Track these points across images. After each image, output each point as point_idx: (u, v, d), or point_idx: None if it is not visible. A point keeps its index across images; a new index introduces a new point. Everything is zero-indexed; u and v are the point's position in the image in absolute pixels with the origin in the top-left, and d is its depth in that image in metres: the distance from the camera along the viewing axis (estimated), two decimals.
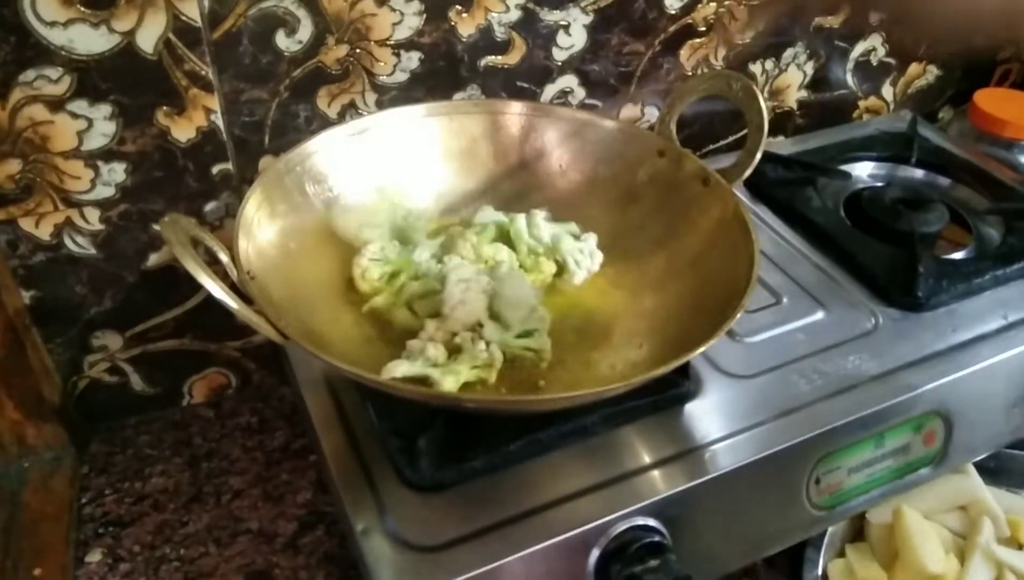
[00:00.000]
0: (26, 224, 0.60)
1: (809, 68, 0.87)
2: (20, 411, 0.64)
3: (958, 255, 0.72)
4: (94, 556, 0.62)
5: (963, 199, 0.79)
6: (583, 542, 0.49)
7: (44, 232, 0.60)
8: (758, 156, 0.59)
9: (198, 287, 0.45)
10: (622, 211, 0.63)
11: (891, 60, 0.92)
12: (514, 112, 0.65)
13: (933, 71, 0.95)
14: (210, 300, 0.46)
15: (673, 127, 0.63)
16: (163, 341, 0.69)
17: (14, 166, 0.57)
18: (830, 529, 0.62)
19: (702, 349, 0.46)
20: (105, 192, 0.60)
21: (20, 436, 0.66)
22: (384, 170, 0.63)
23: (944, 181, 0.81)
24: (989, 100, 0.87)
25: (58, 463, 0.67)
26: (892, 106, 0.96)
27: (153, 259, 0.65)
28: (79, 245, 0.62)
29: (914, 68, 0.94)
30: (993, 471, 0.69)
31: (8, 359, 0.62)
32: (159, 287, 0.66)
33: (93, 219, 0.61)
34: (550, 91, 0.75)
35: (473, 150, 0.65)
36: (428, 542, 0.47)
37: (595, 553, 0.49)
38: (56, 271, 0.62)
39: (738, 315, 0.48)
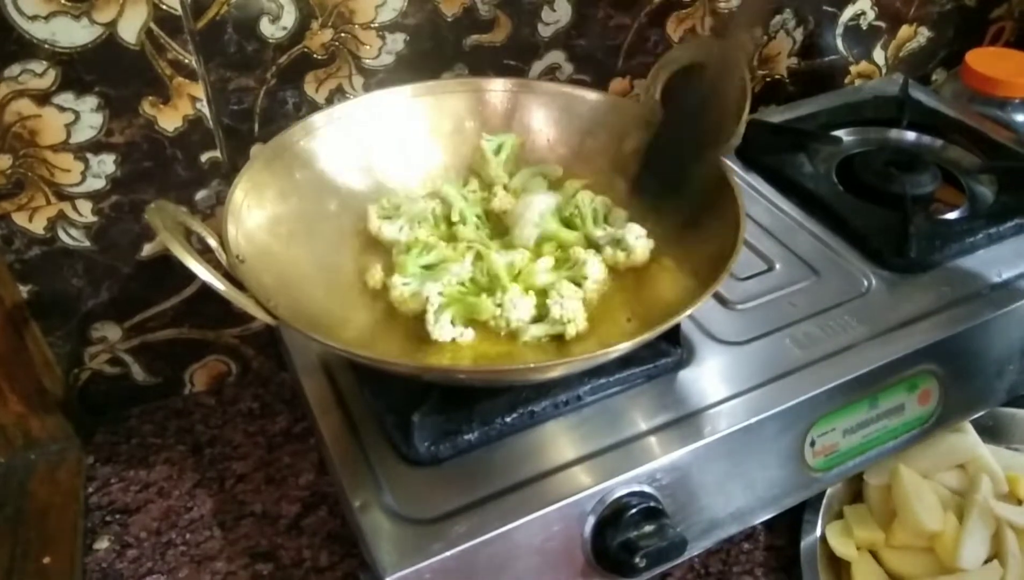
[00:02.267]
0: (19, 218, 0.60)
1: (798, 35, 0.87)
2: (24, 404, 0.65)
3: (951, 215, 0.72)
4: (102, 543, 0.63)
5: (956, 159, 0.78)
6: (579, 510, 0.49)
7: (38, 226, 0.61)
8: (743, 122, 0.59)
9: (193, 276, 0.45)
10: (610, 182, 0.63)
11: (881, 23, 0.91)
12: (499, 89, 0.65)
13: (924, 32, 0.95)
14: (206, 289, 0.46)
15: (658, 96, 0.63)
16: (162, 330, 0.70)
17: (4, 161, 0.58)
18: (828, 491, 0.62)
19: (689, 311, 0.47)
20: (96, 184, 0.61)
21: (25, 429, 0.66)
22: (372, 152, 0.63)
23: (936, 142, 0.80)
24: (981, 60, 0.86)
25: (64, 454, 0.68)
26: (884, 70, 0.96)
27: (147, 249, 0.65)
28: (73, 238, 0.62)
29: (905, 30, 0.93)
30: (992, 430, 0.69)
31: (9, 353, 0.63)
32: (155, 277, 0.67)
33: (86, 211, 0.62)
34: (538, 67, 0.75)
35: (460, 128, 0.65)
36: (426, 515, 0.48)
37: (591, 520, 0.50)
38: (52, 264, 0.63)
39: (724, 277, 0.48)
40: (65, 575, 0.60)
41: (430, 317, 0.53)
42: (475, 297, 0.55)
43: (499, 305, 0.54)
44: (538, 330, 0.54)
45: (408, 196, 0.62)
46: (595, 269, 0.56)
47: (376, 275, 0.58)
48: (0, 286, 0.61)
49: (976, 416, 0.66)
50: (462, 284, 0.55)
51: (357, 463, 0.52)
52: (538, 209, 0.60)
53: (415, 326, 0.54)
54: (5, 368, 0.63)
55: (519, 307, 0.54)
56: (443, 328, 0.53)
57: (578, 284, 0.56)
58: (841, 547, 0.61)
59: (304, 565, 0.62)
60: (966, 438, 0.66)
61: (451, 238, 0.60)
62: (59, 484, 0.66)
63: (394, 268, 0.57)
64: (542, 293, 0.55)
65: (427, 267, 0.57)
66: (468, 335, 0.54)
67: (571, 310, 0.53)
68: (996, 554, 0.60)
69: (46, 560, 0.61)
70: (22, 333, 0.64)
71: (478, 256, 0.57)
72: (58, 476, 0.67)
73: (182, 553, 0.62)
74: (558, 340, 0.54)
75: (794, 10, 0.84)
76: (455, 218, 0.61)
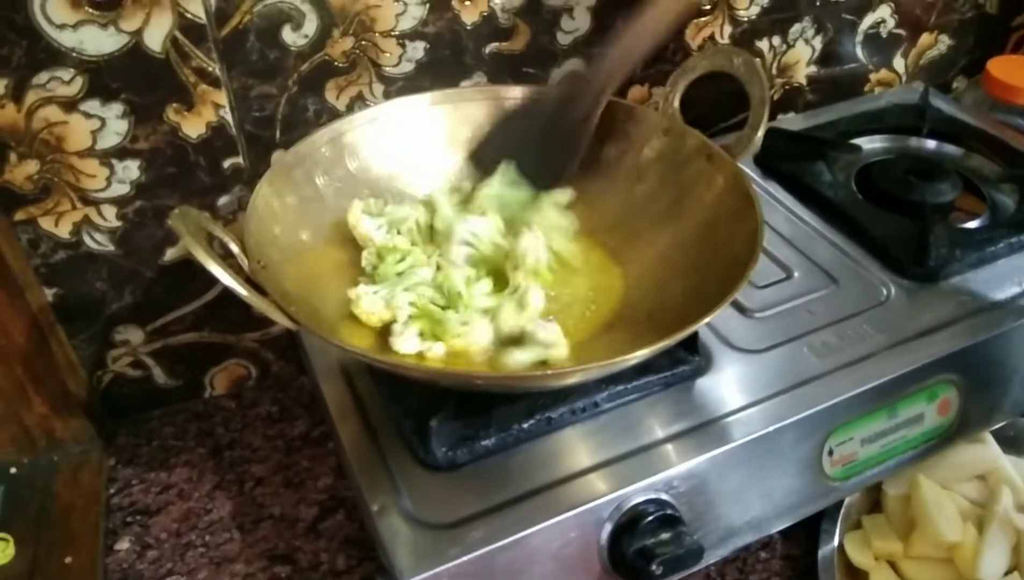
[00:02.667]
0: (46, 223, 0.61)
1: (817, 43, 0.86)
2: (48, 406, 0.66)
3: (972, 224, 0.71)
4: (123, 544, 0.64)
5: (976, 168, 0.78)
6: (595, 516, 0.49)
7: (63, 230, 0.62)
8: (762, 130, 0.59)
9: (215, 280, 0.46)
10: (628, 190, 0.63)
11: (901, 31, 0.91)
12: (518, 97, 0.66)
13: (945, 40, 0.94)
14: (227, 293, 0.47)
15: (676, 105, 0.64)
16: (183, 334, 0.71)
17: (32, 167, 0.59)
18: (846, 501, 0.62)
19: (707, 319, 0.47)
20: (120, 189, 0.62)
21: (49, 430, 0.67)
22: (392, 159, 0.64)
23: (957, 151, 0.80)
24: (1003, 68, 0.86)
25: (86, 456, 0.69)
26: (904, 78, 0.95)
27: (170, 254, 0.66)
28: (98, 242, 0.63)
29: (925, 38, 0.93)
30: (1013, 441, 0.68)
31: (34, 356, 0.64)
32: (177, 281, 0.68)
33: (110, 216, 0.63)
34: (557, 75, 0.75)
35: (479, 136, 0.66)
36: (443, 520, 0.48)
37: (607, 527, 0.50)
38: (77, 268, 0.64)
39: (743, 285, 0.48)
40: (87, 575, 0.61)
41: (398, 327, 0.53)
42: (442, 313, 0.54)
43: (465, 323, 0.54)
44: (524, 356, 0.52)
45: (396, 201, 0.62)
46: (537, 299, 0.56)
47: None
48: (26, 289, 0.62)
49: (997, 427, 0.66)
50: (433, 301, 0.55)
51: (375, 467, 0.52)
52: (472, 229, 0.59)
53: None
54: (30, 370, 0.64)
55: (479, 329, 0.54)
56: (408, 340, 0.53)
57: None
58: (859, 557, 0.61)
59: (322, 568, 0.62)
60: (986, 449, 0.66)
61: (429, 240, 0.60)
62: (81, 485, 0.67)
63: (363, 270, 0.58)
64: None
65: (400, 274, 0.57)
66: (438, 350, 0.53)
67: (553, 333, 0.53)
68: (1016, 566, 0.59)
69: (68, 560, 0.61)
70: (47, 336, 0.65)
71: (439, 268, 0.57)
72: (80, 477, 0.68)
73: (201, 555, 0.63)
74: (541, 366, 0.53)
75: (813, 18, 0.84)
76: (438, 225, 0.60)
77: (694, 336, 0.56)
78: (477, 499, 0.49)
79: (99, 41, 0.56)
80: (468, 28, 0.68)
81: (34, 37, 0.54)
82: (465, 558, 0.46)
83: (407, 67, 0.68)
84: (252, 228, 0.52)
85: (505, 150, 0.63)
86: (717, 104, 0.81)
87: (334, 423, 0.56)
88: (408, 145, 0.65)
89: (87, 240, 0.63)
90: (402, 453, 0.52)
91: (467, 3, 0.67)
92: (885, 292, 0.64)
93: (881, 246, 0.67)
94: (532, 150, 0.62)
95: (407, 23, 0.66)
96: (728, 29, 0.80)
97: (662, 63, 0.78)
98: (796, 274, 0.66)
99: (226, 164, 0.64)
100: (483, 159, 0.64)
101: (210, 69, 0.60)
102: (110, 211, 0.63)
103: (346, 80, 0.66)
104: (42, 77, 0.56)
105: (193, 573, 0.62)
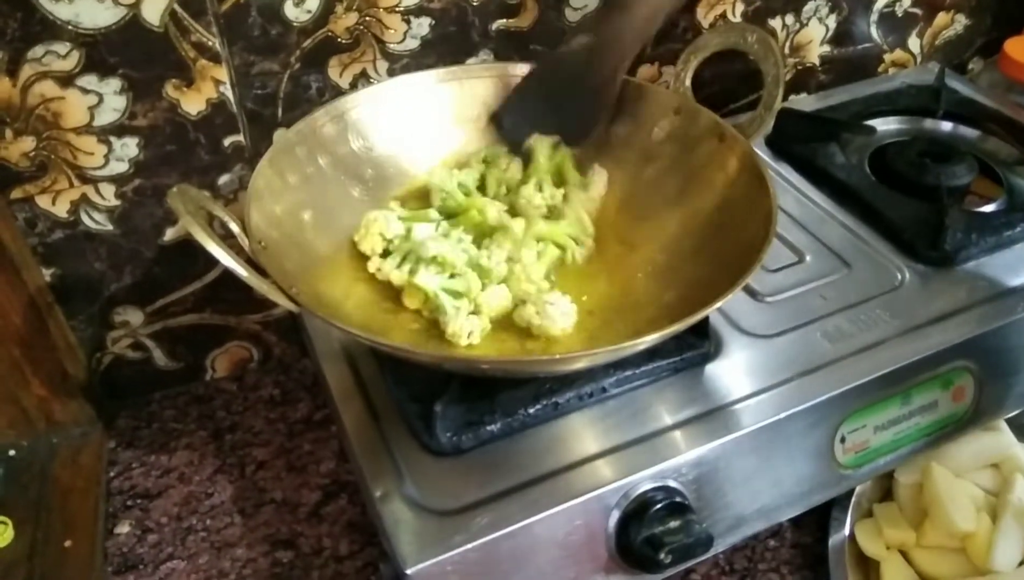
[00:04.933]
0: (43, 202, 0.60)
1: (831, 21, 0.85)
2: (46, 388, 0.65)
3: (988, 208, 0.70)
4: (123, 528, 0.63)
5: (993, 151, 0.76)
6: (603, 504, 0.49)
7: (61, 209, 0.61)
8: (775, 109, 0.57)
9: (215, 261, 0.45)
10: (638, 170, 0.62)
11: (917, 10, 0.89)
12: (525, 74, 0.64)
13: (961, 20, 0.93)
14: (228, 274, 0.46)
15: (688, 83, 0.62)
16: (183, 316, 0.70)
17: (28, 144, 0.57)
18: (857, 489, 0.61)
19: (718, 304, 0.45)
20: (119, 167, 0.61)
21: (48, 413, 0.67)
22: (396, 138, 0.63)
23: (973, 133, 0.79)
24: (1020, 48, 0.84)
25: (86, 438, 0.68)
26: (919, 59, 0.94)
27: (170, 234, 0.65)
28: (96, 221, 0.62)
29: (941, 18, 0.91)
30: None
31: (32, 337, 0.63)
32: (177, 262, 0.67)
33: (108, 195, 0.62)
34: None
35: (485, 115, 0.65)
36: (447, 506, 0.47)
37: (615, 515, 0.49)
38: (75, 248, 0.63)
39: (755, 269, 0.47)
40: (86, 559, 0.60)
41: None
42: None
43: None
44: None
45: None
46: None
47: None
48: (23, 269, 0.61)
49: (1012, 414, 0.65)
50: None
51: (378, 452, 0.51)
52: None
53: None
54: (28, 352, 0.63)
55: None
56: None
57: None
58: (870, 546, 0.60)
59: (324, 553, 0.61)
60: (1001, 437, 0.64)
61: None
62: (81, 468, 0.66)
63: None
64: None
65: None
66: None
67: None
68: None
69: (67, 544, 0.61)
70: (45, 317, 0.64)
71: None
72: (80, 460, 0.67)
73: (202, 539, 0.62)
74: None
75: None
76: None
77: (704, 321, 0.55)
78: (482, 485, 0.48)
79: (96, 14, 0.54)
80: (474, 4, 0.67)
81: (28, 9, 0.53)
82: (469, 545, 0.45)
83: (412, 44, 0.67)
84: (253, 207, 0.51)
85: (528, 111, 0.62)
86: (729, 84, 0.79)
87: (336, 406, 0.55)
88: (413, 124, 0.63)
89: (85, 219, 0.62)
90: (406, 438, 0.51)
91: None
92: (899, 277, 0.62)
93: (895, 230, 0.66)
94: (555, 111, 0.62)
95: None
96: (740, 7, 0.78)
97: (671, 41, 0.76)
98: (808, 258, 0.64)
99: (227, 142, 0.63)
100: (506, 122, 0.64)
101: (210, 44, 0.58)
102: (108, 190, 0.61)
103: (349, 57, 0.65)
104: (37, 51, 0.54)
105: (194, 558, 0.61)
